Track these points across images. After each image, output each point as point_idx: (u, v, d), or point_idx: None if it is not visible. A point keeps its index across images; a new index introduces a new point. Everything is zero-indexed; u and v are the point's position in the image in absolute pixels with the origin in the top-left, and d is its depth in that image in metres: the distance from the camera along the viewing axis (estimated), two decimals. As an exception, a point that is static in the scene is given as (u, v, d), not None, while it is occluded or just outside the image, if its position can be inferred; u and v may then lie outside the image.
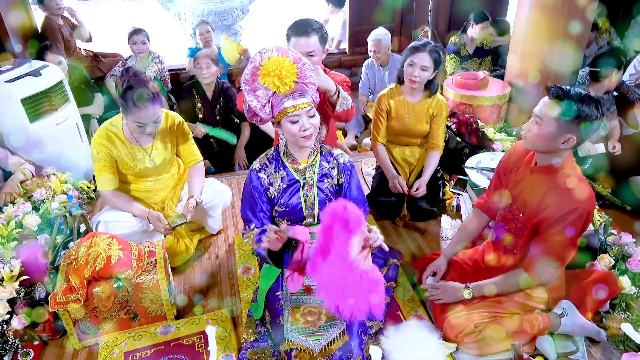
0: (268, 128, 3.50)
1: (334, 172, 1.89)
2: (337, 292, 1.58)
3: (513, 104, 3.68)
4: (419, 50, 2.40)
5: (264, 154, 1.92)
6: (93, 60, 4.36)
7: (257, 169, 1.86)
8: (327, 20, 5.27)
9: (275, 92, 1.71)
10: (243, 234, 1.90)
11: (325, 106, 2.38)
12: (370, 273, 1.63)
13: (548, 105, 1.65)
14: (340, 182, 1.90)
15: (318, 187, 1.86)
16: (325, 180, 1.88)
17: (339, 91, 2.18)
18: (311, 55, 2.23)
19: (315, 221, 1.90)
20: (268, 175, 1.85)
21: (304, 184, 1.85)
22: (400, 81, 2.58)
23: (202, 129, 3.37)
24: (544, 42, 3.27)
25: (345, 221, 1.56)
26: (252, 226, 1.87)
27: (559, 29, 3.18)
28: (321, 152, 1.90)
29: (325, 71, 2.40)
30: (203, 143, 3.43)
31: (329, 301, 1.60)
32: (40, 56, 3.33)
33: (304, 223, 1.90)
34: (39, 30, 4.07)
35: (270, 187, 1.85)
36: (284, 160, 1.86)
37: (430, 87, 2.53)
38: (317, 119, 1.74)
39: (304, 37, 2.19)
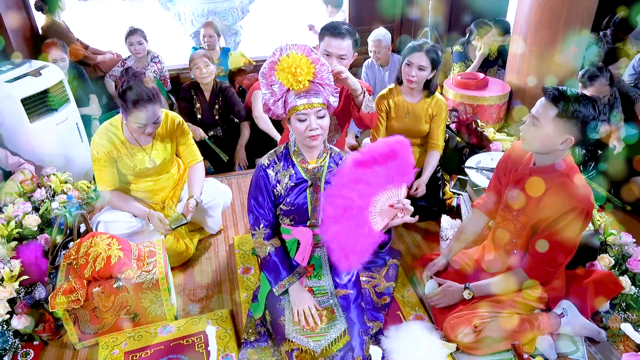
0: (268, 128, 3.50)
1: None
2: (338, 239, 1.62)
3: (513, 104, 3.68)
4: (416, 50, 2.40)
5: (273, 151, 1.91)
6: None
7: (266, 165, 1.85)
8: (312, 27, 5.26)
9: (289, 88, 1.72)
10: (253, 234, 1.90)
11: (351, 107, 2.39)
12: (374, 235, 1.67)
13: (545, 106, 1.65)
14: None
15: (325, 189, 1.86)
16: None
17: (364, 92, 2.19)
18: (342, 58, 2.24)
19: (320, 223, 1.90)
20: (276, 173, 1.84)
21: (312, 184, 1.85)
22: (399, 81, 2.58)
23: (202, 133, 3.37)
24: (545, 42, 3.28)
25: (397, 162, 1.62)
26: (261, 226, 1.87)
27: (560, 29, 3.18)
28: (331, 154, 1.90)
29: None
30: (203, 143, 3.43)
31: (328, 241, 1.65)
32: (42, 52, 3.35)
33: (307, 224, 1.90)
34: (40, 31, 4.07)
35: (278, 184, 1.84)
36: (294, 159, 1.85)
37: (429, 87, 2.53)
38: (326, 121, 1.74)
39: (338, 39, 2.20)
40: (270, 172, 1.84)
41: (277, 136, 3.45)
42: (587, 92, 3.00)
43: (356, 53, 2.32)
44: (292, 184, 1.84)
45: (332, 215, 1.61)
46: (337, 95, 1.82)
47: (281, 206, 1.87)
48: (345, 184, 1.61)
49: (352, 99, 2.24)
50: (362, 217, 1.63)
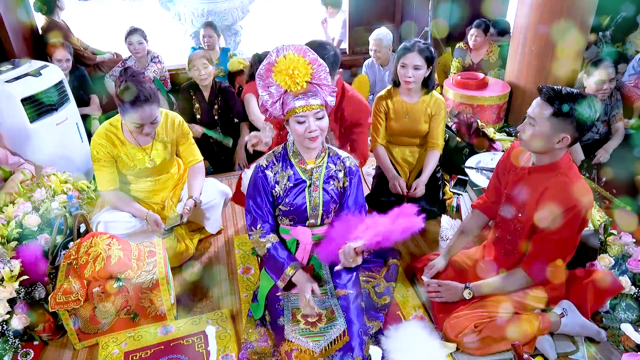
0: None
1: (340, 175, 1.89)
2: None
3: (513, 104, 3.69)
4: (409, 51, 2.39)
5: (271, 152, 1.91)
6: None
7: (264, 166, 1.85)
8: (325, 20, 5.26)
9: (287, 90, 1.71)
10: (249, 234, 1.90)
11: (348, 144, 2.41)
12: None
13: (540, 106, 1.66)
14: (345, 185, 1.90)
15: (324, 189, 1.86)
16: (331, 182, 1.88)
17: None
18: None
19: (319, 222, 1.90)
20: (275, 173, 1.85)
21: (310, 185, 1.85)
22: (395, 84, 2.57)
23: (199, 128, 3.38)
24: (544, 42, 3.28)
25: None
26: (259, 226, 1.88)
27: (560, 28, 3.18)
28: (329, 153, 1.90)
29: (345, 89, 2.39)
30: (202, 143, 3.43)
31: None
32: (47, 52, 3.35)
33: (307, 224, 1.90)
34: (40, 31, 4.08)
35: (277, 185, 1.85)
36: (292, 160, 1.85)
37: (428, 84, 2.52)
38: (324, 122, 1.74)
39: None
40: (268, 173, 1.84)
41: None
42: (594, 77, 3.00)
43: (340, 71, 2.29)
44: (291, 185, 1.84)
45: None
46: (334, 94, 1.82)
47: (280, 207, 1.87)
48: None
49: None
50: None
